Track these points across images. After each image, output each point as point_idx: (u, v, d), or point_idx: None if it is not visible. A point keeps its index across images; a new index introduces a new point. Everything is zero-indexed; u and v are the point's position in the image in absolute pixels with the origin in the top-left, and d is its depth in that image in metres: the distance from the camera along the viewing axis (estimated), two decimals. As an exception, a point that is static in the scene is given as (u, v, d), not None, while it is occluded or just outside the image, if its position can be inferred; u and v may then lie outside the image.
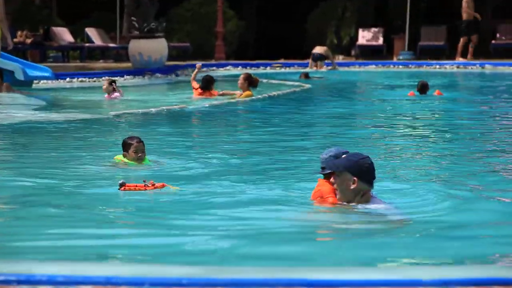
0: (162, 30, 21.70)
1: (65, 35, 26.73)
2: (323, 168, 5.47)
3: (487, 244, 4.60)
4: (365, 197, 5.21)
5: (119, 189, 5.75)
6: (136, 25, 21.48)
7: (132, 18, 22.03)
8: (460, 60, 24.82)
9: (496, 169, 7.13)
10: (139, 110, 12.51)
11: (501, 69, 23.88)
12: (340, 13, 30.27)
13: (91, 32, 27.25)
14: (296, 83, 18.28)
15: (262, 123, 11.56)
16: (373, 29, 29.06)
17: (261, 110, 13.47)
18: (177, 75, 21.61)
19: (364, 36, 29.01)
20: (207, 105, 13.57)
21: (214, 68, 24.84)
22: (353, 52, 29.46)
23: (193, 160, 7.47)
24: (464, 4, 24.95)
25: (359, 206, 5.20)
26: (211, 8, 28.75)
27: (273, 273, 3.35)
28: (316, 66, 24.34)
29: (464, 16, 24.92)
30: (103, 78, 17.61)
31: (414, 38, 27.97)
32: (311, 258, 4.19)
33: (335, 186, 5.26)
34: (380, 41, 28.81)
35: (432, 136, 10.01)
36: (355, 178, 5.15)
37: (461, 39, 25.22)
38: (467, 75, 22.47)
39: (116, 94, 14.52)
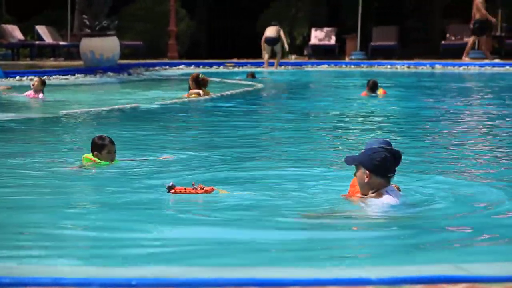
0: (114, 28, 21.52)
1: (15, 32, 26.31)
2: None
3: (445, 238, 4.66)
4: (378, 192, 5.23)
5: (168, 191, 5.62)
6: (88, 23, 21.26)
7: (84, 16, 21.79)
8: (466, 60, 24.92)
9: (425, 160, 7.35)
10: (91, 109, 12.39)
11: (451, 69, 24.25)
12: (293, 13, 30.38)
13: (41, 29, 26.87)
14: (250, 83, 18.31)
15: (215, 121, 11.55)
16: (326, 29, 29.23)
17: (212, 109, 13.46)
18: (129, 74, 21.45)
19: (317, 36, 29.17)
20: (160, 104, 13.51)
21: (167, 67, 24.73)
22: (306, 52, 29.60)
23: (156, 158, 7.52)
24: (478, 4, 24.92)
25: (367, 200, 5.25)
26: (164, 7, 28.62)
27: (221, 273, 3.35)
28: (272, 51, 24.47)
29: (477, 15, 24.94)
30: (31, 77, 17.30)
31: (366, 38, 28.22)
32: (268, 257, 4.19)
33: (357, 180, 5.34)
34: (333, 41, 29.01)
35: (374, 132, 10.16)
36: (367, 172, 5.20)
37: (471, 38, 25.28)
38: (417, 75, 22.76)
39: (42, 95, 14.37)
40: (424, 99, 15.62)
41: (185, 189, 5.64)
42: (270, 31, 24.57)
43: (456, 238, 4.78)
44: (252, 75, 20.38)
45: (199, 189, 5.62)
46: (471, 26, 24.99)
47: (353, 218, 5.15)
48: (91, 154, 7.11)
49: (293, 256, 4.18)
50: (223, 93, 15.31)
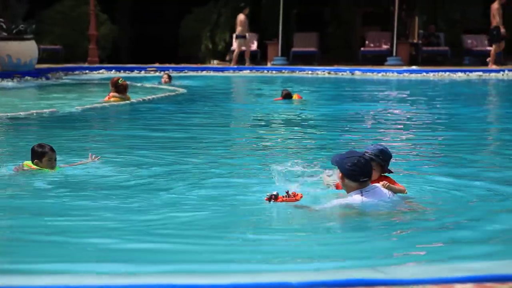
0: (31, 32, 21.09)
1: None
2: None
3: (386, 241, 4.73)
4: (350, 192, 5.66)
5: (270, 201, 5.58)
6: (4, 26, 20.77)
7: (0, 19, 21.27)
8: (494, 67, 25.15)
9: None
10: (7, 114, 12.11)
11: (370, 75, 24.68)
12: (214, 18, 30.39)
13: (-44, 32, 26.10)
14: (172, 88, 18.21)
15: (135, 125, 11.46)
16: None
17: (132, 113, 13.35)
18: (48, 78, 21.05)
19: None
20: (80, 109, 13.30)
21: (87, 71, 24.37)
22: (228, 57, 29.64)
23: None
24: (493, 11, 25.15)
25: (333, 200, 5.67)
26: (83, 11, 28.20)
27: (138, 279, 3.32)
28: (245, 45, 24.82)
29: (494, 22, 25.21)
30: None
31: (287, 44, 28.46)
32: (205, 257, 4.17)
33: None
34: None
35: (290, 134, 10.32)
36: (341, 174, 5.68)
37: (494, 46, 25.46)
38: (337, 81, 23.08)
39: None
40: (341, 103, 15.92)
41: (286, 197, 5.67)
42: (239, 23, 25.25)
43: (379, 241, 4.86)
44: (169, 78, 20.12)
45: (292, 196, 5.70)
46: (490, 34, 25.45)
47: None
48: (30, 162, 7.05)
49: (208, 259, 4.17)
50: (144, 98, 15.19)
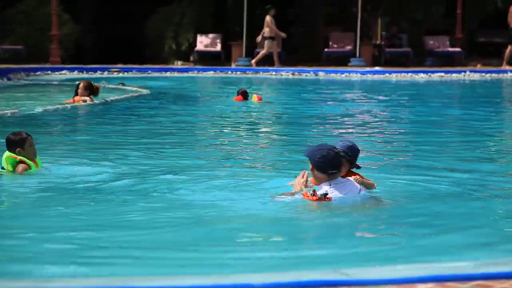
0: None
1: None
2: None
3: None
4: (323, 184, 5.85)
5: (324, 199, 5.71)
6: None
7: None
8: (507, 68, 25.25)
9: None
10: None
11: (333, 76, 24.80)
12: (178, 19, 30.30)
13: None
14: (134, 89, 18.10)
15: (97, 126, 11.38)
16: (211, 35, 29.31)
17: (95, 114, 13.26)
18: (9, 79, 20.82)
19: (202, 42, 29.21)
20: (41, 110, 13.16)
21: (49, 72, 24.14)
22: (192, 58, 29.58)
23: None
24: None
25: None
26: (45, 11, 27.91)
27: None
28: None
29: (511, 23, 25.44)
30: None
31: (252, 45, 28.48)
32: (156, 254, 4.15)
33: None
34: (218, 47, 29.11)
35: (248, 134, 10.35)
36: (311, 166, 5.90)
37: (509, 47, 25.56)
38: (301, 82, 23.15)
39: None
40: (304, 104, 16.01)
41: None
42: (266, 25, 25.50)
43: (339, 241, 4.88)
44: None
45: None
46: (510, 33, 25.63)
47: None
48: (11, 153, 6.81)
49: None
50: (106, 99, 15.07)
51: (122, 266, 4.16)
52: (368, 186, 6.18)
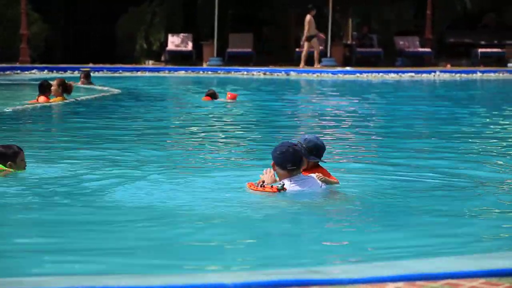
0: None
1: None
2: None
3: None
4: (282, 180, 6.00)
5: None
6: None
7: None
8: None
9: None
10: None
11: (305, 75, 24.88)
12: (149, 18, 30.18)
13: None
14: (105, 88, 18.00)
15: (67, 127, 11.31)
16: (182, 35, 29.25)
17: (67, 113, 13.18)
18: (-22, 79, 20.57)
19: (173, 42, 29.14)
20: (10, 110, 13.04)
21: (19, 71, 23.94)
22: (163, 58, 29.49)
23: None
24: None
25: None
26: (15, 10, 27.64)
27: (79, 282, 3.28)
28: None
29: None
30: None
31: (223, 44, 28.47)
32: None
33: None
34: (189, 46, 29.06)
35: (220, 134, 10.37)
36: (273, 162, 6.06)
37: None
38: (273, 81, 23.20)
39: None
40: (273, 103, 16.08)
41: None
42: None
43: (310, 238, 4.90)
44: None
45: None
46: None
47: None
48: (0, 164, 6.79)
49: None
50: (77, 98, 14.97)
51: (94, 265, 4.15)
52: (331, 183, 6.27)
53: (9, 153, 6.86)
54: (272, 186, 5.96)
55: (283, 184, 5.96)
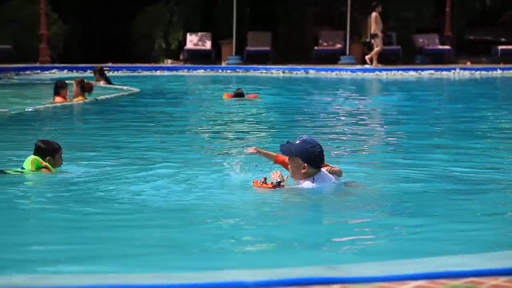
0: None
1: None
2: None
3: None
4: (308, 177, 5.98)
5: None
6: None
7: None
8: None
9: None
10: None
11: (324, 74, 24.84)
12: (167, 17, 30.24)
13: None
14: (125, 88, 18.06)
15: (87, 126, 11.36)
16: (201, 34, 29.27)
17: (87, 112, 13.24)
18: (-2, 78, 20.73)
19: (192, 41, 29.17)
20: (31, 109, 13.12)
21: (39, 71, 24.07)
22: (181, 57, 29.54)
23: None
24: None
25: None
26: (33, 10, 27.77)
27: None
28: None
29: None
30: None
31: (241, 43, 28.47)
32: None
33: (289, 167, 6.11)
34: (208, 45, 29.07)
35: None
36: (305, 164, 5.97)
37: None
38: (292, 80, 23.17)
39: None
40: (292, 102, 16.05)
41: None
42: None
43: (329, 235, 4.89)
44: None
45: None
46: None
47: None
48: (38, 157, 6.87)
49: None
50: (97, 98, 15.04)
51: (112, 265, 4.16)
52: (337, 173, 6.31)
53: (49, 149, 6.99)
54: (269, 183, 5.97)
55: (280, 181, 5.99)
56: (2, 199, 5.93)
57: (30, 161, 6.92)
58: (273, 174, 6.13)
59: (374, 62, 25.76)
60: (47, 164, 6.91)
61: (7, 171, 6.86)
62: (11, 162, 7.57)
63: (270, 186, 5.98)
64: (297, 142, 6.08)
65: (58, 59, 28.02)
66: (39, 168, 6.88)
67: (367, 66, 26.20)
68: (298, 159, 6.01)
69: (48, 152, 6.97)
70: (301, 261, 4.21)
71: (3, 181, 6.52)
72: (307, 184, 5.99)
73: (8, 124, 11.68)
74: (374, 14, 25.70)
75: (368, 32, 29.46)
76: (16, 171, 6.86)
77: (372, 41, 25.97)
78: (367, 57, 25.93)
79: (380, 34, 25.83)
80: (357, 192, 6.13)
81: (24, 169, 6.90)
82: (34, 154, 6.97)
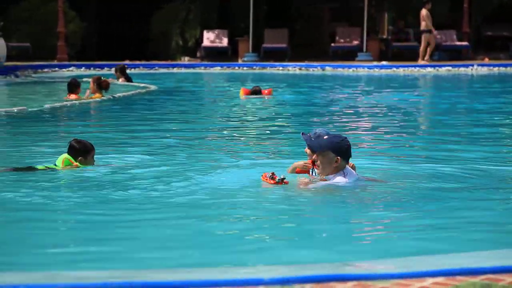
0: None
1: None
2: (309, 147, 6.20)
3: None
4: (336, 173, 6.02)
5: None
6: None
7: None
8: None
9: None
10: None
11: (340, 70, 24.78)
12: (184, 15, 30.31)
13: None
14: (142, 85, 18.10)
15: (106, 122, 11.39)
16: (217, 31, 29.31)
17: (103, 110, 13.28)
18: (17, 76, 20.85)
19: (209, 38, 29.21)
20: (49, 107, 13.18)
21: (57, 69, 24.19)
22: (198, 54, 29.59)
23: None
24: None
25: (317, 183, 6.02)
26: (51, 8, 27.92)
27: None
28: None
29: None
30: None
31: (258, 40, 28.47)
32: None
33: (317, 163, 6.06)
34: (225, 42, 29.10)
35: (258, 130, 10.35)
36: (338, 157, 5.99)
37: None
38: (308, 76, 23.14)
39: None
40: (309, 98, 16.03)
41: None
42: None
43: (347, 231, 4.88)
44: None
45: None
46: None
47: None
48: (70, 157, 6.93)
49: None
50: (114, 95, 15.09)
51: (133, 260, 4.18)
52: (354, 169, 6.33)
53: (82, 149, 7.01)
54: (273, 178, 5.98)
55: (284, 178, 5.98)
56: (21, 195, 5.95)
57: (62, 159, 6.97)
58: (297, 163, 6.25)
59: (427, 57, 25.69)
60: (77, 164, 6.94)
61: (38, 167, 6.89)
62: (27, 159, 7.60)
63: (273, 182, 5.97)
64: (325, 137, 6.08)
65: (75, 57, 28.15)
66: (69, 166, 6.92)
67: (384, 62, 26.09)
68: (329, 153, 5.98)
69: (81, 152, 6.99)
70: (318, 258, 4.19)
71: (27, 178, 6.53)
72: (340, 179, 6.01)
73: (25, 121, 11.74)
74: (424, 11, 25.59)
75: (385, 29, 29.40)
76: (47, 167, 6.89)
77: (424, 36, 25.76)
78: (422, 55, 25.81)
79: (434, 30, 25.73)
80: (378, 188, 6.11)
81: (56, 165, 6.95)
82: (67, 152, 7.01)
